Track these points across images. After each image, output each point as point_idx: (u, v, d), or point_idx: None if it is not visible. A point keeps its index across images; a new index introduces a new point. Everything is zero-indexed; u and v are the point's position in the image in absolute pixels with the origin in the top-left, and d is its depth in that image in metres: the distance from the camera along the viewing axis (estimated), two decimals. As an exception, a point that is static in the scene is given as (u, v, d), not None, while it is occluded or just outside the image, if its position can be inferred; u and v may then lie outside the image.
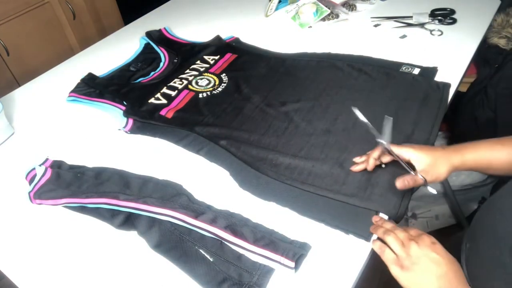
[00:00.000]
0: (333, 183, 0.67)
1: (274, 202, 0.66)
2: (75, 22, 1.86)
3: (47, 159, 0.78)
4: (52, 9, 1.77)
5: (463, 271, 0.52)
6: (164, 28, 1.15)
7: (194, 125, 0.81)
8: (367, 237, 0.59)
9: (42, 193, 0.70)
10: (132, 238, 0.64)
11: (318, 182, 0.67)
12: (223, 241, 0.60)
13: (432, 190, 0.63)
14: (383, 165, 0.68)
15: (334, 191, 0.65)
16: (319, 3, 1.16)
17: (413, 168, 0.62)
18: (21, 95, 1.01)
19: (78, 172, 0.74)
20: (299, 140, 0.76)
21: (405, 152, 0.62)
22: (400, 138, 0.73)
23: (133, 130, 0.83)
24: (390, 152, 0.63)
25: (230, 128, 0.80)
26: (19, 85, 1.06)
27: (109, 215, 0.66)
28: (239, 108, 0.85)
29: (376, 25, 1.11)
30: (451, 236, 0.74)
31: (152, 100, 0.89)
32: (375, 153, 0.66)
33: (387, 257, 0.54)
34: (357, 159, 0.70)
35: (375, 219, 0.61)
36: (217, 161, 0.75)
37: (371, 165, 0.66)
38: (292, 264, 0.55)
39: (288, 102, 0.85)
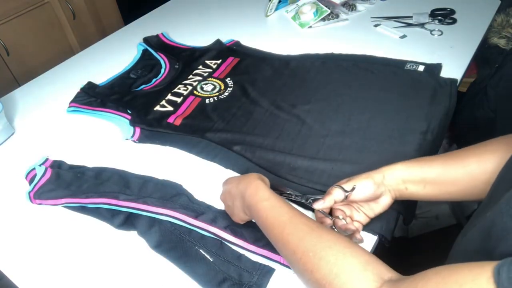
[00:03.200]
0: None
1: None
2: (75, 22, 1.86)
3: (47, 159, 0.78)
4: (52, 9, 1.77)
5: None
6: (162, 34, 1.14)
7: (204, 131, 0.80)
8: (388, 236, 0.59)
9: (42, 193, 0.70)
10: (132, 238, 0.64)
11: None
12: (223, 241, 0.60)
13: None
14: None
15: None
16: (319, 3, 1.16)
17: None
18: (21, 95, 1.01)
19: (78, 172, 0.74)
20: (314, 142, 0.76)
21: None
22: (415, 136, 0.73)
23: (141, 139, 0.82)
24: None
25: (242, 133, 0.79)
26: (19, 85, 1.05)
27: (109, 215, 0.66)
28: (249, 112, 0.85)
29: (376, 25, 1.11)
30: (451, 236, 0.74)
31: (157, 108, 0.88)
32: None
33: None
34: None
35: None
36: (233, 167, 0.74)
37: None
38: (292, 264, 0.55)
39: (298, 104, 0.85)
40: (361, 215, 0.59)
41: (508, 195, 0.39)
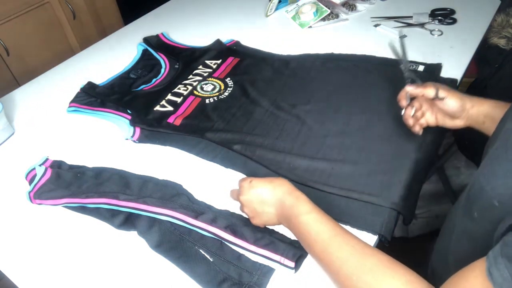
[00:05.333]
0: (355, 183, 0.67)
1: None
2: (75, 22, 1.86)
3: (47, 159, 0.78)
4: (52, 9, 1.77)
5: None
6: (162, 34, 1.14)
7: (204, 131, 0.80)
8: (388, 236, 0.60)
9: (42, 193, 0.70)
10: (132, 238, 0.64)
11: (341, 183, 0.67)
12: (223, 241, 0.60)
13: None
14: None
15: (358, 191, 0.65)
16: (319, 3, 1.16)
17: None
18: (21, 95, 1.01)
19: (78, 172, 0.74)
20: (314, 142, 0.76)
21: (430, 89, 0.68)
22: (415, 136, 0.73)
23: (141, 139, 0.82)
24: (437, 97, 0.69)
25: (242, 133, 0.79)
26: (19, 85, 1.05)
27: (109, 215, 0.66)
28: (249, 112, 0.85)
29: (376, 25, 1.11)
30: None
31: (157, 108, 0.88)
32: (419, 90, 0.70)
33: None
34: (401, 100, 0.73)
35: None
36: (234, 166, 0.74)
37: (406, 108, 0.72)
38: (292, 264, 0.55)
39: (298, 104, 0.85)
40: (432, 118, 0.70)
41: (486, 157, 0.41)
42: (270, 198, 0.58)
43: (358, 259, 0.47)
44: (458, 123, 0.69)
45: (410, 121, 0.70)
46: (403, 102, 0.71)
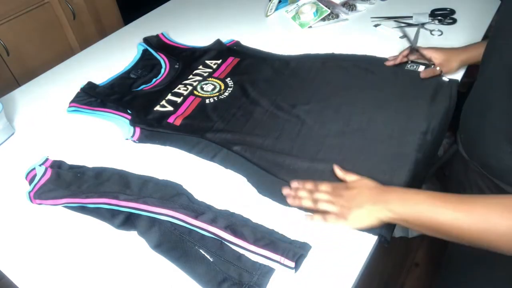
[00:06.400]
0: None
1: (296, 207, 0.65)
2: (75, 22, 1.86)
3: (47, 159, 0.78)
4: (52, 9, 1.77)
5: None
6: (162, 34, 1.14)
7: (204, 131, 0.80)
8: (388, 236, 0.59)
9: (42, 193, 0.70)
10: (132, 238, 0.64)
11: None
12: (223, 241, 0.60)
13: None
14: (409, 62, 0.91)
15: None
16: (319, 3, 1.16)
17: (433, 64, 0.87)
18: (21, 95, 1.01)
19: (78, 172, 0.74)
20: (314, 142, 0.76)
21: (427, 52, 0.87)
22: (415, 136, 0.74)
23: (141, 139, 0.82)
24: (417, 51, 0.90)
25: (242, 133, 0.79)
26: (19, 85, 1.06)
27: (109, 215, 0.66)
28: (249, 112, 0.85)
29: (376, 25, 1.11)
30: None
31: (157, 108, 0.88)
32: (404, 52, 0.91)
33: (331, 221, 0.60)
34: (390, 57, 0.93)
35: (290, 188, 0.66)
36: (233, 167, 0.73)
37: (398, 60, 0.91)
38: (292, 264, 0.55)
39: (298, 105, 0.85)
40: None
41: None
42: (370, 194, 0.60)
43: (497, 206, 0.49)
44: (448, 72, 0.87)
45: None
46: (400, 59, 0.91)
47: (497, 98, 0.59)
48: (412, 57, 0.91)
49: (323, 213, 0.61)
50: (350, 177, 0.65)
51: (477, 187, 0.69)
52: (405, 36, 0.94)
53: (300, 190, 0.65)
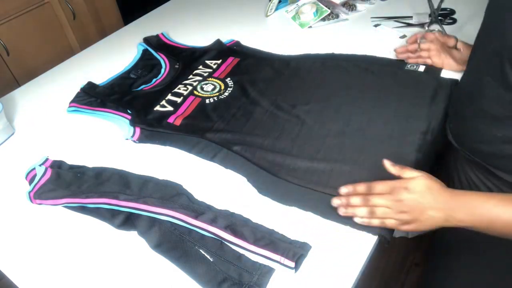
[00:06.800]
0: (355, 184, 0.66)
1: (296, 207, 0.65)
2: (75, 22, 1.86)
3: (47, 159, 0.78)
4: (52, 9, 1.77)
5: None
6: (162, 34, 1.14)
7: (204, 131, 0.80)
8: (388, 236, 0.59)
9: (42, 193, 0.70)
10: (132, 238, 0.64)
11: (340, 184, 0.67)
12: (223, 241, 0.60)
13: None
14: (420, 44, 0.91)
15: None
16: (319, 3, 1.16)
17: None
18: (21, 95, 1.01)
19: (78, 172, 0.74)
20: (314, 142, 0.76)
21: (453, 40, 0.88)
22: (415, 136, 0.74)
23: (141, 139, 0.82)
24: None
25: (242, 133, 0.79)
26: (19, 85, 1.06)
27: (109, 215, 0.66)
28: (249, 112, 0.85)
29: (376, 25, 1.11)
30: None
31: (157, 108, 0.88)
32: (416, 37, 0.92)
33: (391, 225, 0.57)
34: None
35: (340, 198, 0.61)
36: (233, 167, 0.73)
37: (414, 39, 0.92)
38: (292, 264, 0.55)
39: (298, 105, 0.84)
40: (438, 60, 0.89)
41: None
42: (430, 203, 0.55)
43: None
44: (461, 68, 0.86)
45: (412, 59, 0.91)
46: (413, 41, 0.92)
47: (487, 85, 0.60)
48: (424, 45, 0.90)
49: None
50: (407, 174, 0.57)
51: (465, 176, 0.71)
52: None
53: (352, 197, 0.60)
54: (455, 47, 0.88)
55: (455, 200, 0.54)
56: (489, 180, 0.66)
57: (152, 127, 0.83)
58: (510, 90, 0.55)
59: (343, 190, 0.61)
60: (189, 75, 0.97)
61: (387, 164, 0.60)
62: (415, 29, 1.06)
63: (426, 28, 0.99)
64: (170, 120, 0.84)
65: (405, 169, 0.58)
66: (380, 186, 0.58)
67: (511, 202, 0.52)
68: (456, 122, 0.71)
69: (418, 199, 0.55)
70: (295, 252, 0.57)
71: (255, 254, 0.58)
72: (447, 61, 0.88)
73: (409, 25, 1.09)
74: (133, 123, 0.84)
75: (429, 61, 0.90)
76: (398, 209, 0.56)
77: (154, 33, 1.14)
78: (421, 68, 0.90)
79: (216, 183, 0.71)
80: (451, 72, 0.89)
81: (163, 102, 0.89)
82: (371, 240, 0.59)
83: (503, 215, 0.51)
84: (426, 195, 0.55)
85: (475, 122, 0.65)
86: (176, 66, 1.01)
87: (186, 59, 1.03)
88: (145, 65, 1.05)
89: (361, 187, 0.60)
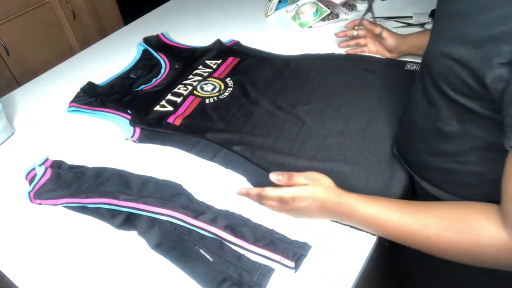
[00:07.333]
0: (355, 184, 0.67)
1: None
2: (75, 22, 1.86)
3: (47, 159, 0.78)
4: (52, 9, 1.77)
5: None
6: (162, 34, 1.14)
7: (204, 131, 0.80)
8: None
9: (42, 193, 0.70)
10: (132, 238, 0.64)
11: (340, 183, 0.67)
12: (223, 241, 0.60)
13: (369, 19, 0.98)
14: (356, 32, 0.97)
15: (358, 191, 0.65)
16: (319, 3, 1.16)
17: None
18: (21, 95, 1.01)
19: (78, 172, 0.74)
20: (314, 142, 0.76)
21: (385, 32, 0.91)
22: None
23: (141, 139, 0.82)
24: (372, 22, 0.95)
25: (242, 133, 0.79)
26: (19, 85, 1.06)
27: (109, 215, 0.66)
28: (249, 112, 0.85)
29: (376, 25, 1.11)
30: None
31: (157, 108, 0.88)
32: (356, 21, 0.97)
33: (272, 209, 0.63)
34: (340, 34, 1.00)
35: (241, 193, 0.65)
36: (233, 167, 0.73)
37: (350, 25, 0.97)
38: (292, 264, 0.55)
39: (298, 105, 0.84)
40: (373, 48, 0.95)
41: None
42: (320, 213, 0.60)
43: (435, 216, 0.50)
44: (392, 56, 0.94)
45: (351, 43, 0.98)
46: (351, 26, 0.97)
47: (416, 96, 0.60)
48: (361, 32, 0.96)
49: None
50: (295, 181, 0.59)
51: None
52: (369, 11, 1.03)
53: (246, 197, 0.65)
54: (381, 36, 0.91)
55: (337, 208, 0.57)
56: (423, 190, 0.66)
57: (152, 127, 0.83)
58: (430, 104, 0.55)
59: (242, 191, 0.64)
60: (189, 75, 0.97)
61: (273, 177, 0.61)
62: (415, 29, 1.06)
63: (367, 16, 1.06)
64: (170, 120, 0.84)
65: (294, 177, 0.59)
66: (270, 196, 0.60)
67: (390, 206, 0.54)
68: (398, 131, 0.72)
69: (304, 209, 0.58)
70: (295, 252, 0.57)
71: (255, 254, 0.58)
72: (381, 49, 0.94)
73: (409, 25, 1.08)
74: (133, 123, 0.84)
75: (366, 50, 0.97)
76: (286, 213, 0.62)
77: (154, 33, 1.14)
78: None
79: (216, 183, 0.71)
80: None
81: (163, 102, 0.89)
82: (371, 240, 0.59)
83: (381, 219, 0.54)
84: (312, 204, 0.58)
85: (406, 132, 0.66)
86: (176, 66, 1.01)
87: (186, 59, 1.03)
88: (145, 65, 1.05)
89: (254, 192, 0.62)
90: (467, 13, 0.47)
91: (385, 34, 0.91)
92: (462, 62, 0.46)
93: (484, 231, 0.47)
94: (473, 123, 0.50)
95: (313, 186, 0.58)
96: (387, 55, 0.94)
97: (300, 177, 0.59)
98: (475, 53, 0.44)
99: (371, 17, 1.04)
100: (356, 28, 0.96)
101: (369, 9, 1.05)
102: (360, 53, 0.97)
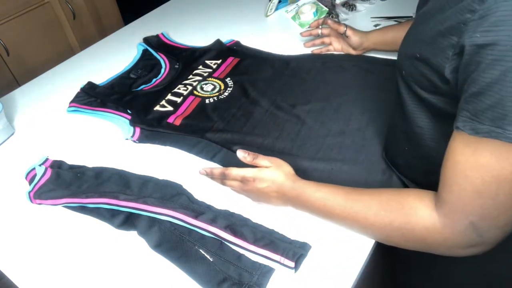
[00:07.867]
0: (355, 184, 0.66)
1: None
2: (75, 22, 1.86)
3: (47, 159, 0.78)
4: (52, 9, 1.77)
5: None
6: (162, 34, 1.14)
7: (204, 131, 0.80)
8: None
9: (42, 193, 0.70)
10: (132, 238, 0.64)
11: (340, 183, 0.67)
12: (223, 241, 0.60)
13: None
14: (320, 31, 1.00)
15: None
16: (319, 3, 1.16)
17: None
18: (21, 95, 1.01)
19: (78, 172, 0.74)
20: (314, 142, 0.76)
21: (349, 30, 0.95)
22: None
23: (141, 139, 0.82)
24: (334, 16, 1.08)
25: (242, 133, 0.79)
26: (19, 85, 1.06)
27: (109, 215, 0.66)
28: (249, 112, 0.85)
29: (376, 25, 1.11)
30: None
31: (157, 108, 0.88)
32: (321, 20, 1.00)
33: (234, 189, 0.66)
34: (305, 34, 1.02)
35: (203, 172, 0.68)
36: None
37: (314, 25, 1.01)
38: (292, 264, 0.55)
39: (298, 104, 0.85)
40: (338, 46, 0.99)
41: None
42: (276, 199, 0.63)
43: (376, 200, 0.54)
44: (357, 52, 0.97)
45: (316, 42, 1.01)
46: (315, 25, 1.01)
47: (396, 99, 0.61)
48: (325, 31, 0.99)
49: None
50: (259, 162, 0.63)
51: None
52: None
53: (210, 177, 0.68)
54: (345, 35, 0.95)
55: (290, 192, 0.60)
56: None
57: (152, 127, 0.83)
58: (406, 105, 0.56)
59: (206, 170, 0.68)
60: (189, 75, 0.97)
61: (240, 154, 0.64)
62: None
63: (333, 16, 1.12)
64: (170, 120, 0.84)
65: (258, 158, 0.63)
66: (233, 174, 0.64)
67: (336, 191, 0.58)
68: (386, 135, 0.72)
69: (263, 190, 0.62)
70: (295, 252, 0.57)
71: (255, 254, 0.58)
72: (345, 47, 0.98)
73: (409, 25, 1.08)
74: (133, 123, 0.84)
75: (331, 48, 0.99)
76: (246, 194, 0.65)
77: (154, 33, 1.14)
78: None
79: (216, 183, 0.71)
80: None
81: (163, 102, 0.89)
82: (371, 240, 0.59)
83: (326, 204, 0.58)
84: (270, 186, 0.61)
85: (391, 133, 0.68)
86: (176, 66, 1.01)
87: (186, 59, 1.03)
88: (145, 65, 1.05)
89: (217, 172, 0.66)
90: (430, 14, 0.49)
91: (349, 32, 0.94)
92: (423, 60, 0.48)
93: (416, 211, 0.50)
94: (444, 123, 0.50)
95: (275, 169, 0.61)
96: (352, 52, 0.97)
97: (264, 160, 0.63)
98: (432, 49, 0.46)
99: (334, 16, 1.12)
100: (320, 27, 1.00)
101: (333, 8, 1.13)
102: (325, 52, 1.00)
